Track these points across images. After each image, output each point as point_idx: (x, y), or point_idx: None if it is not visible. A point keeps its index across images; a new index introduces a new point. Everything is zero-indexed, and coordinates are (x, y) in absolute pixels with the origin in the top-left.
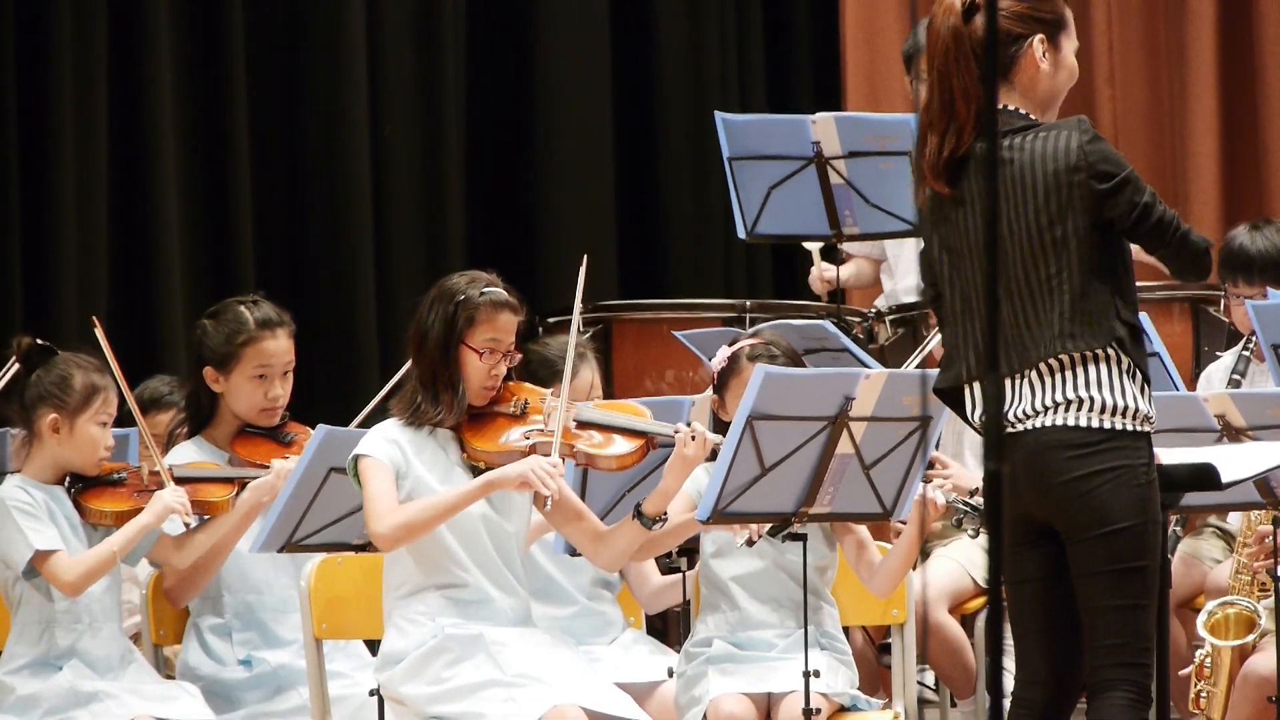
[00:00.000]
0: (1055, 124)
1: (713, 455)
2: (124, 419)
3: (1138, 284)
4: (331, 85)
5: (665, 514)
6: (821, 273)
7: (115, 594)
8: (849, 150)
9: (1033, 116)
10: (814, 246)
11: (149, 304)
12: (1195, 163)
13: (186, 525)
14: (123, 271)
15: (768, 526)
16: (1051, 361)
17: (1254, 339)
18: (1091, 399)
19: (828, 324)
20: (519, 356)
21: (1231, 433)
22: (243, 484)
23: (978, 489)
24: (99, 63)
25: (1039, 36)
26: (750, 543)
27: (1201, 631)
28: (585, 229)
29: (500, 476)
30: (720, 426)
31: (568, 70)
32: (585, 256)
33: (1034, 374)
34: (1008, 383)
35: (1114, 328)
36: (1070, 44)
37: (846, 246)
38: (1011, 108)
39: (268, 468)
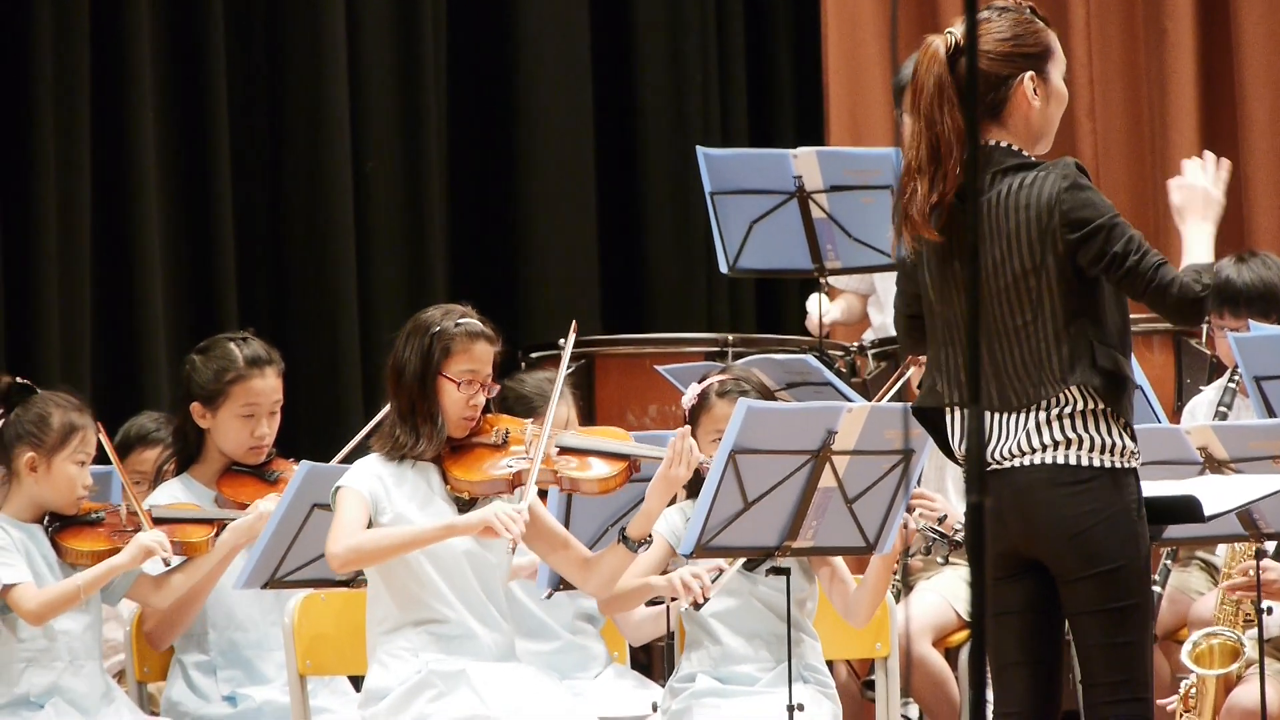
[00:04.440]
0: (1044, 166)
1: (693, 482)
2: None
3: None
4: (313, 121)
5: (650, 536)
6: (822, 316)
7: (96, 632)
8: (830, 184)
9: (1025, 152)
10: (813, 305)
11: (132, 340)
12: None
13: (166, 564)
14: (105, 308)
15: (723, 576)
16: (1030, 407)
17: (1239, 371)
18: (1080, 437)
19: (810, 358)
20: (497, 388)
21: (1214, 465)
22: (222, 525)
23: (946, 516)
24: (81, 101)
25: (1029, 74)
26: (697, 605)
27: (1186, 661)
28: (568, 263)
29: (464, 522)
30: None
31: (550, 104)
32: (575, 324)
33: (1014, 415)
34: (989, 419)
35: (1087, 374)
36: (1058, 70)
37: (834, 281)
38: (1004, 144)
39: (247, 509)
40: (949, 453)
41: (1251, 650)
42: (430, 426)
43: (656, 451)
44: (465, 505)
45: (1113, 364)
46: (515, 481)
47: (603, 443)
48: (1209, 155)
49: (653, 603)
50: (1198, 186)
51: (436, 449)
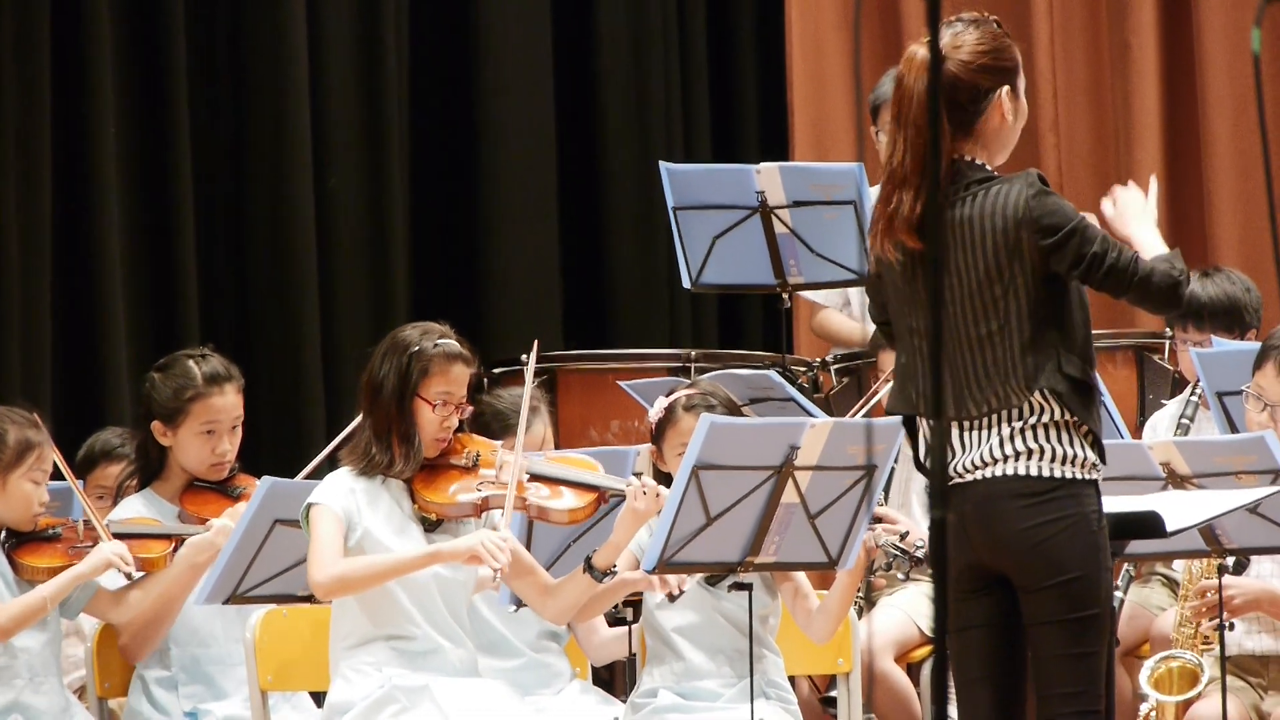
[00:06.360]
0: (1006, 178)
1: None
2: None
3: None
4: (275, 137)
5: (615, 567)
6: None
7: (55, 648)
8: (793, 200)
9: (988, 167)
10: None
11: (94, 357)
12: None
13: (129, 577)
14: (67, 325)
15: (689, 580)
16: (995, 415)
17: (1200, 385)
18: (1041, 448)
19: (773, 373)
20: (470, 409)
21: (1177, 480)
22: (180, 540)
23: (908, 532)
24: (42, 117)
25: (1005, 89)
26: (672, 597)
27: (1145, 687)
28: (530, 279)
29: (450, 549)
30: (660, 477)
31: (512, 119)
32: (536, 343)
33: (980, 424)
34: (955, 431)
35: (1053, 380)
36: (1022, 84)
37: (812, 296)
38: (969, 159)
39: (208, 525)
40: (920, 463)
41: (1212, 669)
42: (407, 447)
43: (626, 486)
44: (431, 525)
45: (1079, 372)
46: (482, 506)
47: (573, 472)
48: (1148, 181)
49: (617, 623)
50: (1131, 198)
51: (414, 469)
